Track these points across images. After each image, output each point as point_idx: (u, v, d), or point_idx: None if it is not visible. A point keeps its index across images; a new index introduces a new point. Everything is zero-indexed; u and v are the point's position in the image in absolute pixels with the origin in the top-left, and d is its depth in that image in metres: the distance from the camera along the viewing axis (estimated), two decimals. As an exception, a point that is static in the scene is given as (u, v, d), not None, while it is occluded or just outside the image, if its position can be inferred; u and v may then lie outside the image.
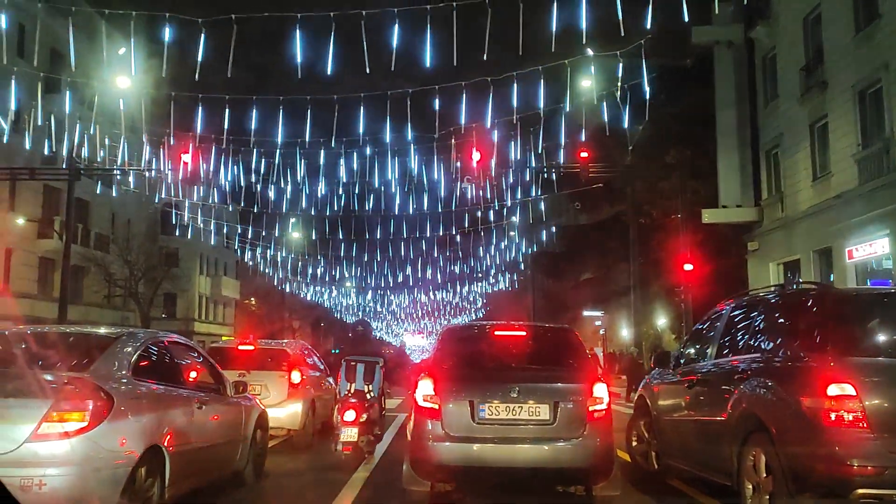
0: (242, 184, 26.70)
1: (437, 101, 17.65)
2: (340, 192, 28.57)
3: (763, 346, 6.53)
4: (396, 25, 13.82)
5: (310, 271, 51.49)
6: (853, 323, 6.06)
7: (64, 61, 25.52)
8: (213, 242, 43.19)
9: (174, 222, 37.57)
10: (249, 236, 41.18)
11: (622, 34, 13.23)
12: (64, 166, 26.65)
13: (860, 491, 5.21)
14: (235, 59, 14.40)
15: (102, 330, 6.94)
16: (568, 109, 19.83)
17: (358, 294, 65.29)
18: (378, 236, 38.74)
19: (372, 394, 10.03)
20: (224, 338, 46.51)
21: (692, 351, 8.23)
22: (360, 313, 72.25)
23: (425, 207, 30.63)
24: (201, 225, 35.52)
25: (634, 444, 8.95)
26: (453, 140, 21.31)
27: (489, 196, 28.19)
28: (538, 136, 22.48)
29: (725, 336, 7.36)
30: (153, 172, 25.93)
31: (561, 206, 41.89)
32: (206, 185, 27.63)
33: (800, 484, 5.42)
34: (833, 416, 5.27)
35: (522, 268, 51.16)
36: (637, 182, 26.28)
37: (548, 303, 53.04)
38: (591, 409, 6.73)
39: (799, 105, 21.85)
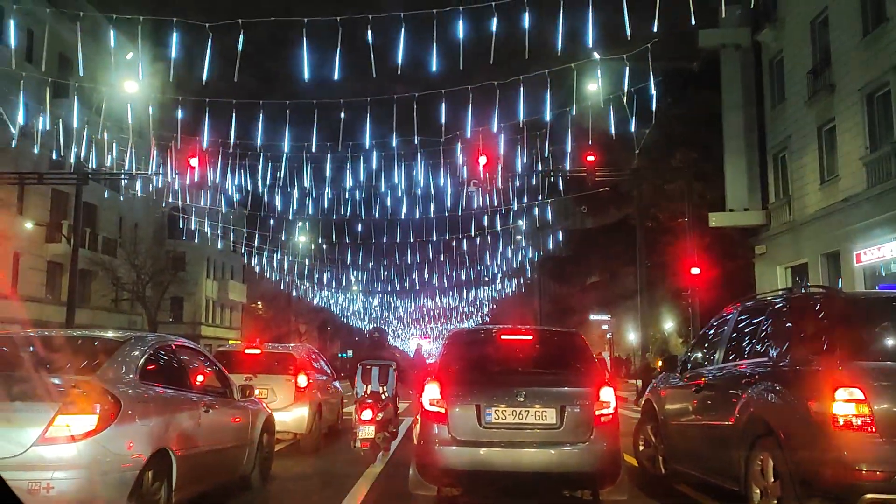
0: (249, 188, 26.76)
1: (443, 105, 17.66)
2: (346, 196, 28.61)
3: (771, 350, 6.51)
4: (403, 29, 13.84)
5: (316, 276, 51.56)
6: (861, 327, 6.03)
7: (72, 66, 25.73)
8: (219, 246, 43.31)
9: (181, 226, 37.69)
10: (256, 240, 41.25)
11: (629, 38, 13.24)
12: (72, 171, 26.74)
13: (869, 496, 5.17)
14: (242, 64, 14.45)
15: (110, 333, 6.96)
16: (574, 113, 19.85)
17: (365, 297, 65.33)
18: (384, 240, 38.73)
19: (386, 394, 10.37)
20: (231, 341, 46.56)
21: (699, 355, 8.20)
22: (366, 317, 72.36)
23: (431, 212, 30.62)
24: (208, 229, 35.62)
25: (641, 448, 8.92)
26: (460, 144, 21.35)
27: (495, 200, 28.22)
28: (545, 140, 22.49)
29: (733, 340, 7.34)
30: (160, 177, 25.99)
31: (567, 209, 41.91)
32: (213, 189, 27.71)
33: (808, 489, 5.40)
34: (841, 420, 5.25)
35: (529, 272, 51.10)
36: (644, 185, 26.22)
37: (554, 307, 52.98)
38: (597, 413, 6.71)
39: (806, 108, 21.80)
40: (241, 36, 14.01)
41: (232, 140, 20.37)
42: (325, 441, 12.30)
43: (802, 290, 8.63)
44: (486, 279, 55.69)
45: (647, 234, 26.24)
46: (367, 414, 9.50)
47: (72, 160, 24.70)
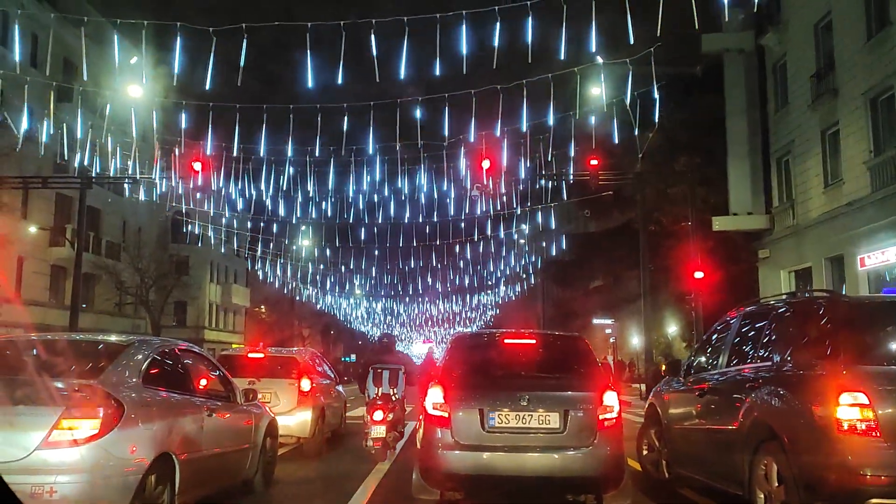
0: (252, 192, 26.79)
1: (446, 109, 17.67)
2: (349, 199, 28.61)
3: (774, 355, 6.49)
4: (406, 34, 13.84)
5: (318, 280, 51.58)
6: (865, 331, 6.01)
7: (76, 71, 25.79)
8: (223, 251, 43.35)
9: (185, 230, 37.73)
10: (259, 244, 41.29)
11: (632, 42, 13.23)
12: (76, 175, 26.81)
13: (874, 501, 5.15)
14: (246, 69, 14.44)
15: (113, 337, 6.97)
16: (577, 118, 19.84)
17: (368, 301, 65.35)
18: (387, 244, 38.75)
19: (396, 396, 10.86)
20: (234, 345, 46.64)
21: (703, 359, 8.19)
22: (369, 321, 72.39)
23: (435, 216, 30.64)
24: (211, 233, 35.65)
25: (645, 452, 8.91)
26: (463, 148, 21.35)
27: (499, 205, 28.21)
28: (548, 144, 22.49)
29: (736, 344, 7.32)
30: (164, 181, 26.03)
31: (571, 213, 41.90)
32: (217, 194, 27.74)
33: (812, 493, 5.37)
34: (846, 424, 5.23)
35: (532, 276, 51.08)
36: (647, 189, 26.21)
37: (558, 310, 52.99)
38: (601, 417, 6.70)
39: (810, 112, 21.79)
40: (245, 41, 14.05)
41: (235, 144, 20.42)
42: (329, 445, 12.30)
43: (806, 295, 8.61)
44: (490, 283, 55.70)
45: (650, 238, 26.21)
46: (378, 415, 10.17)
47: (76, 164, 24.75)
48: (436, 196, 27.16)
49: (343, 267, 47.84)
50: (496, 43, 13.62)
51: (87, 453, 5.02)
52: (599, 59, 17.56)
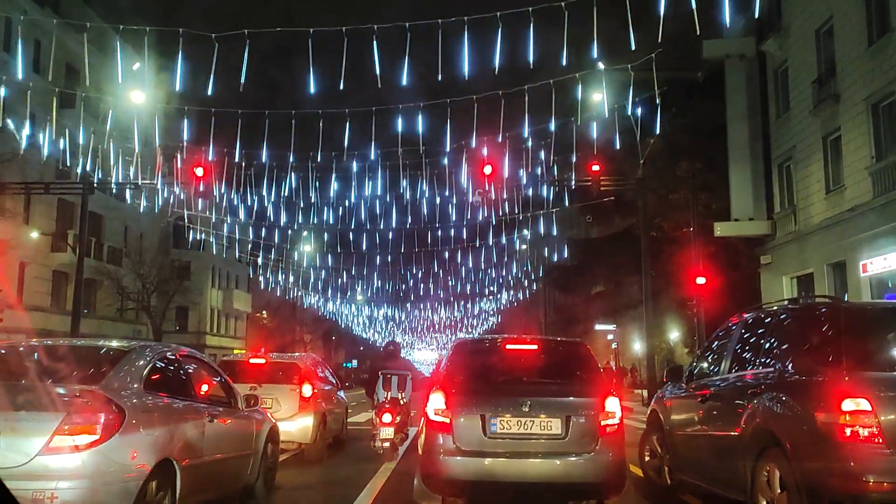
0: (254, 197, 26.81)
1: (448, 114, 17.68)
2: (350, 205, 28.60)
3: (776, 361, 6.47)
4: (408, 40, 13.86)
5: (320, 286, 51.57)
6: (867, 337, 6.00)
7: (78, 76, 25.87)
8: (224, 256, 43.36)
9: (186, 236, 37.74)
10: (261, 250, 41.29)
11: (633, 49, 13.24)
12: (78, 180, 26.85)
13: (876, 507, 5.14)
14: (248, 75, 14.46)
15: (114, 343, 6.96)
16: (579, 123, 19.84)
17: (370, 307, 65.36)
18: (389, 250, 38.76)
19: (404, 400, 11.56)
20: (235, 351, 46.63)
21: (705, 365, 8.18)
22: (371, 328, 72.38)
23: (436, 221, 30.62)
24: (213, 239, 35.66)
25: (647, 458, 8.89)
26: (464, 154, 21.34)
27: (500, 210, 28.19)
28: (549, 149, 22.49)
29: (738, 350, 7.31)
30: (166, 186, 26.05)
31: (572, 219, 41.88)
32: (219, 199, 27.74)
33: (815, 500, 5.36)
34: (848, 431, 5.21)
35: (534, 281, 51.04)
36: (648, 195, 26.21)
37: (559, 316, 52.94)
38: (603, 423, 6.70)
39: (811, 118, 21.79)
40: (247, 47, 14.07)
41: (237, 150, 20.44)
42: (330, 451, 12.28)
43: (808, 301, 8.60)
44: (491, 289, 55.65)
45: (651, 244, 26.19)
46: (387, 417, 10.95)
47: (78, 170, 24.78)
48: (437, 202, 27.16)
49: (344, 273, 47.85)
50: (498, 49, 13.64)
51: (88, 459, 5.01)
52: (601, 65, 17.59)
